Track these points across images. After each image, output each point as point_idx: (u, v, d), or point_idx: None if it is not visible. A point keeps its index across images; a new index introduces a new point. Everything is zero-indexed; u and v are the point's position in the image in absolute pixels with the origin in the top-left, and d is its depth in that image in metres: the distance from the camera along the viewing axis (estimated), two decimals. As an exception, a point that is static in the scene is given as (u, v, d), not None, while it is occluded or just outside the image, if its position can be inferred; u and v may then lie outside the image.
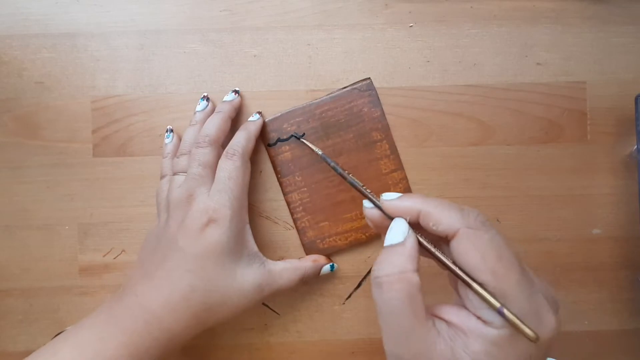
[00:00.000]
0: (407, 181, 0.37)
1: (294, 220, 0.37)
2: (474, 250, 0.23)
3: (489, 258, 0.23)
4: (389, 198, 0.27)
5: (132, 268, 0.33)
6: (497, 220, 0.37)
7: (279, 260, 0.37)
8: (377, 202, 0.27)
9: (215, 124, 0.34)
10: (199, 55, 0.37)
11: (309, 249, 0.37)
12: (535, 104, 0.37)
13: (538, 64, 0.37)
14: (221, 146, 0.34)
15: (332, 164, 0.32)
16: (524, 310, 0.22)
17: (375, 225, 0.28)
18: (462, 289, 0.24)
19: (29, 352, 0.28)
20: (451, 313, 0.24)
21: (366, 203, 0.28)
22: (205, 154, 0.33)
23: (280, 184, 0.37)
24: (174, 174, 0.34)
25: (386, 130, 0.37)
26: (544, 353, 0.24)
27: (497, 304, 0.22)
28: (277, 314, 0.37)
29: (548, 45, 0.37)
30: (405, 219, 0.25)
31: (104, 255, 0.37)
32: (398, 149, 0.37)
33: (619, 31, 0.37)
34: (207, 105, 0.36)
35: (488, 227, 0.24)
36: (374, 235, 0.37)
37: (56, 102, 0.37)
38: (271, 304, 0.37)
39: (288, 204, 0.37)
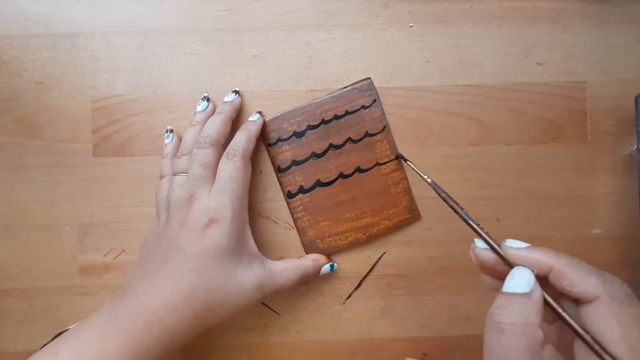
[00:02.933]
0: (407, 181, 0.37)
1: (294, 220, 0.37)
2: (616, 322, 0.22)
3: (631, 333, 0.22)
4: (516, 246, 0.26)
5: (133, 268, 0.33)
6: (497, 220, 0.37)
7: (279, 260, 0.37)
8: (497, 246, 0.26)
9: (216, 125, 0.34)
10: (199, 55, 0.37)
11: (309, 249, 0.37)
12: (535, 104, 0.37)
13: (538, 64, 0.37)
14: (222, 147, 0.34)
15: (443, 194, 0.30)
16: None
17: (483, 267, 0.26)
18: (584, 352, 0.23)
19: (29, 352, 0.28)
20: None
21: (479, 243, 0.27)
22: (206, 154, 0.33)
23: (281, 183, 0.37)
24: (174, 174, 0.34)
25: (386, 130, 0.37)
26: None
27: None
28: (277, 314, 0.37)
29: (548, 45, 0.37)
30: (532, 271, 0.24)
31: (104, 255, 0.37)
32: (398, 149, 0.37)
33: (619, 31, 0.37)
34: (208, 105, 0.36)
35: (633, 299, 0.23)
36: (374, 235, 0.37)
37: (56, 102, 0.37)
38: (271, 304, 0.37)
39: (288, 203, 0.37)
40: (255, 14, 0.37)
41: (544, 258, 0.24)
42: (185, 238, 0.30)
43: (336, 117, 0.37)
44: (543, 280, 0.24)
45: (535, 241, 0.37)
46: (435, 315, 0.38)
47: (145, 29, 0.37)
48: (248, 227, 0.33)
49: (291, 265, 0.34)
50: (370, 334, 0.38)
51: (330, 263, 0.36)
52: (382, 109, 0.37)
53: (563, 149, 0.37)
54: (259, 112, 0.36)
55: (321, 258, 0.36)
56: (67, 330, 0.31)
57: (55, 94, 0.37)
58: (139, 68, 0.37)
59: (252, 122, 0.36)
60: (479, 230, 0.27)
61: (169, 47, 0.37)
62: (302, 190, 0.37)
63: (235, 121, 0.36)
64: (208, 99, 0.36)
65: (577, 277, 0.23)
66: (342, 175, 0.37)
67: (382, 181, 0.37)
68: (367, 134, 0.37)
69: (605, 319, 0.22)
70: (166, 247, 0.31)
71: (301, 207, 0.37)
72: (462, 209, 0.29)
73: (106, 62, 0.37)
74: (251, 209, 0.37)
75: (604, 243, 0.37)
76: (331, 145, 0.37)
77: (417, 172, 0.33)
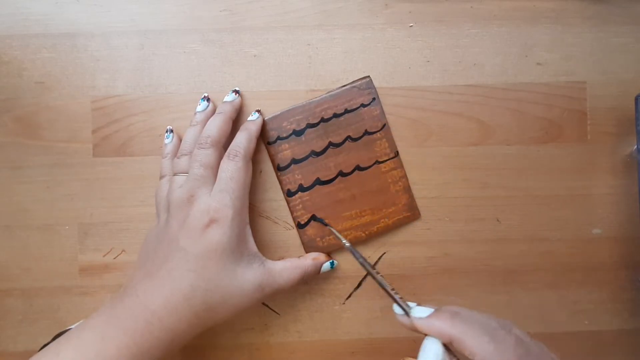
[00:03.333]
0: (407, 179, 0.37)
1: (294, 219, 0.37)
2: None
3: None
4: (419, 315, 0.26)
5: (133, 268, 0.33)
6: (497, 220, 0.37)
7: (279, 260, 0.37)
8: (409, 312, 0.27)
9: (216, 125, 0.34)
10: (199, 55, 0.37)
11: (308, 247, 0.37)
12: (535, 104, 0.37)
13: (538, 64, 0.37)
14: (223, 147, 0.34)
15: (360, 259, 0.32)
16: None
17: (410, 329, 0.28)
18: None
19: (29, 352, 0.28)
20: None
21: (396, 309, 0.28)
22: (207, 154, 0.33)
23: (280, 182, 0.37)
24: (175, 174, 0.34)
25: (385, 128, 0.37)
26: None
27: None
28: (277, 314, 0.37)
29: (548, 45, 0.37)
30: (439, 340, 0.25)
31: (104, 255, 0.37)
32: (398, 149, 0.37)
33: (619, 31, 0.37)
34: (208, 105, 0.36)
35: (526, 356, 0.23)
36: (374, 233, 0.37)
37: (56, 102, 0.37)
38: (271, 304, 0.37)
39: (288, 202, 0.37)
40: (255, 14, 0.37)
41: (442, 327, 0.25)
42: (185, 238, 0.30)
43: (335, 116, 0.37)
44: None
45: (535, 241, 0.38)
46: (435, 315, 0.38)
47: (145, 29, 0.37)
48: (248, 227, 0.33)
49: (291, 264, 0.34)
50: (370, 334, 0.38)
51: (331, 261, 0.36)
52: (382, 107, 0.37)
53: (563, 149, 0.37)
54: (258, 111, 0.36)
55: (321, 256, 0.36)
56: (67, 330, 0.31)
57: (55, 94, 0.37)
58: (139, 68, 0.37)
59: (252, 121, 0.36)
60: (395, 297, 0.28)
61: (169, 47, 0.37)
62: (301, 188, 0.37)
63: (236, 121, 0.36)
64: (208, 99, 0.36)
65: (473, 344, 0.24)
66: (341, 174, 0.37)
67: (382, 179, 0.37)
68: (366, 132, 0.37)
69: None
70: (166, 247, 0.31)
71: (301, 206, 0.37)
72: (378, 273, 0.30)
73: (106, 62, 0.37)
74: (251, 209, 0.37)
75: (604, 243, 0.37)
76: (330, 144, 0.37)
77: (335, 233, 0.35)
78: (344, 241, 0.33)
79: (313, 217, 0.36)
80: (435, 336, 0.25)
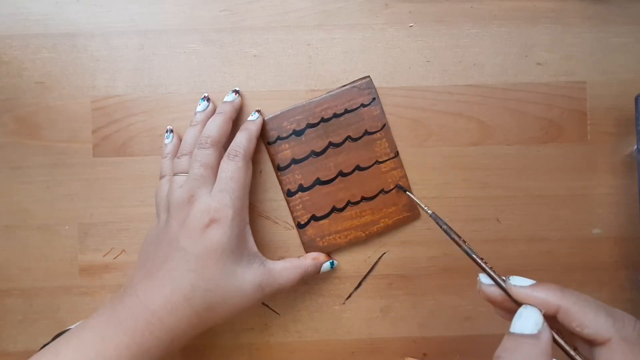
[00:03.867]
0: (407, 179, 0.37)
1: (294, 219, 0.37)
2: None
3: None
4: (520, 284, 0.25)
5: (133, 268, 0.33)
6: (497, 220, 0.37)
7: (279, 259, 0.37)
8: (502, 283, 0.25)
9: (217, 125, 0.34)
10: (199, 55, 0.37)
11: (308, 247, 0.37)
12: (535, 104, 0.37)
13: (538, 64, 0.37)
14: (223, 147, 0.34)
15: (445, 227, 0.29)
16: None
17: (491, 302, 0.26)
18: None
19: (29, 352, 0.28)
20: None
21: (483, 278, 0.26)
22: (207, 154, 0.33)
23: (280, 182, 0.37)
24: (175, 174, 0.34)
25: (385, 128, 0.37)
26: None
27: None
28: (277, 314, 0.37)
29: (548, 45, 0.37)
30: (540, 310, 0.24)
31: (104, 255, 0.37)
32: (398, 149, 0.37)
33: (619, 31, 0.37)
34: (208, 105, 0.36)
35: None
36: (374, 233, 0.37)
37: (56, 102, 0.37)
38: (271, 304, 0.37)
39: (288, 202, 0.37)
40: (255, 14, 0.37)
41: (551, 297, 0.24)
42: (185, 238, 0.30)
43: (335, 116, 0.37)
44: (552, 318, 0.24)
45: (535, 241, 0.38)
46: (435, 315, 0.38)
47: (145, 29, 0.37)
48: (248, 227, 0.33)
49: (291, 264, 0.34)
50: (370, 334, 0.38)
51: (331, 260, 0.36)
52: (382, 107, 0.37)
53: (563, 149, 0.37)
54: (258, 111, 0.36)
55: (321, 256, 0.36)
56: (67, 330, 0.31)
57: (55, 94, 0.37)
58: (139, 68, 0.37)
59: (252, 121, 0.36)
60: (484, 266, 0.26)
61: (169, 47, 0.37)
62: (301, 188, 0.37)
63: (236, 121, 0.36)
64: (208, 99, 0.36)
65: (586, 318, 0.23)
66: (341, 174, 0.37)
67: (382, 179, 0.37)
68: (366, 132, 0.37)
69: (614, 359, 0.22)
70: (166, 247, 0.31)
71: (301, 206, 0.37)
72: (464, 242, 0.28)
73: (106, 62, 0.37)
74: (251, 209, 0.37)
75: (604, 243, 0.37)
76: (330, 144, 0.37)
77: (417, 203, 0.33)
78: (427, 209, 0.31)
79: (398, 186, 0.36)
80: (539, 306, 0.24)
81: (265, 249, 0.37)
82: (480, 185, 0.37)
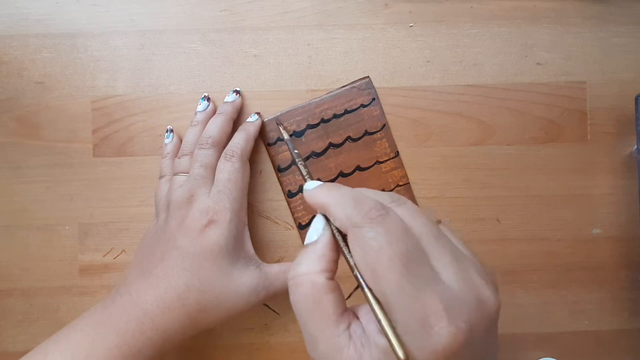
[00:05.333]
0: (408, 179, 0.37)
1: (295, 219, 0.37)
2: (359, 250, 0.21)
3: (370, 259, 0.21)
4: (307, 188, 0.25)
5: (129, 268, 0.33)
6: (497, 220, 0.37)
7: (278, 260, 0.37)
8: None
9: (217, 126, 0.34)
10: (199, 55, 0.37)
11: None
12: (535, 104, 0.37)
13: (538, 64, 0.37)
14: (223, 147, 0.34)
15: (294, 151, 0.31)
16: (406, 317, 0.20)
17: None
18: None
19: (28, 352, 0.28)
20: (364, 316, 0.23)
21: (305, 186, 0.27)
22: (207, 155, 0.33)
23: (281, 183, 0.37)
24: (175, 174, 0.34)
25: (386, 128, 0.37)
26: None
27: (378, 312, 0.20)
28: (277, 313, 0.37)
29: (548, 45, 0.37)
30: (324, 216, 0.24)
31: (104, 255, 0.37)
32: (398, 149, 0.37)
33: (619, 31, 0.37)
34: (208, 105, 0.36)
35: (377, 222, 0.21)
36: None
37: (56, 102, 0.37)
38: (271, 304, 0.37)
39: (288, 203, 0.37)
40: (255, 14, 0.37)
41: (318, 196, 0.24)
42: (183, 237, 0.30)
43: (335, 116, 0.37)
44: None
45: (535, 241, 0.38)
46: (435, 315, 0.38)
47: (145, 29, 0.37)
48: (247, 229, 0.33)
49: (287, 268, 0.34)
50: (370, 334, 0.37)
51: None
52: (382, 107, 0.37)
53: (563, 149, 0.37)
54: (257, 113, 0.36)
55: None
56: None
57: (55, 94, 0.37)
58: (139, 68, 0.37)
59: (251, 122, 0.36)
60: (303, 173, 0.28)
61: (169, 47, 0.37)
62: (302, 189, 0.37)
63: (236, 121, 0.36)
64: (208, 99, 0.36)
65: (336, 211, 0.23)
66: (342, 174, 0.37)
67: (382, 179, 0.37)
68: (366, 133, 0.37)
69: (352, 248, 0.22)
70: (163, 246, 0.31)
71: (302, 207, 0.37)
72: (300, 161, 0.29)
73: (106, 62, 0.37)
74: (251, 209, 0.37)
75: (604, 243, 0.37)
76: (331, 144, 0.37)
77: (283, 134, 0.34)
78: (285, 135, 0.33)
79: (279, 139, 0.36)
80: (316, 208, 0.24)
81: (265, 249, 0.37)
82: (480, 185, 0.37)
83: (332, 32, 0.37)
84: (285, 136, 0.33)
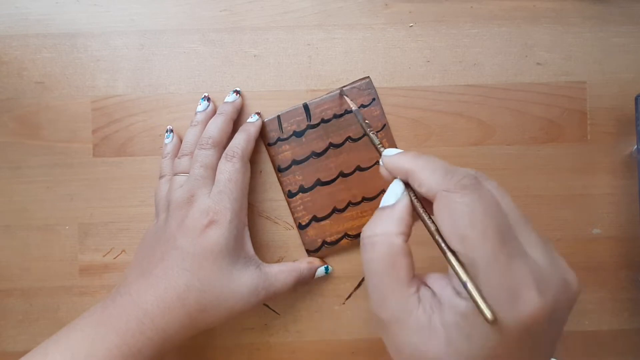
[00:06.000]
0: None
1: (295, 219, 0.37)
2: (447, 215, 0.22)
3: (460, 224, 0.21)
4: (388, 154, 0.26)
5: (129, 268, 0.33)
6: (497, 220, 0.37)
7: (278, 260, 0.37)
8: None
9: (217, 126, 0.34)
10: (199, 55, 0.37)
11: (309, 248, 0.37)
12: (535, 104, 0.37)
13: (538, 64, 0.37)
14: (223, 148, 0.34)
15: (365, 121, 0.31)
16: (494, 284, 0.20)
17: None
18: None
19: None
20: (436, 282, 0.23)
21: (380, 162, 0.27)
22: (207, 155, 0.33)
23: (281, 183, 0.37)
24: (175, 174, 0.34)
25: (386, 128, 0.37)
26: (523, 335, 0.21)
27: (464, 276, 0.21)
28: (277, 314, 0.37)
29: (548, 45, 0.37)
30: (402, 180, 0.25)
31: (104, 255, 0.37)
32: (398, 149, 0.37)
33: (619, 31, 0.37)
34: (208, 105, 0.36)
35: (470, 190, 0.22)
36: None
37: (56, 102, 0.37)
38: (271, 304, 0.37)
39: (288, 203, 0.37)
40: (255, 14, 0.37)
41: (403, 162, 0.24)
42: (183, 237, 0.30)
43: (335, 116, 0.37)
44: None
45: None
46: (435, 315, 0.38)
47: (145, 29, 0.37)
48: (247, 229, 0.33)
49: (286, 268, 0.34)
50: (370, 334, 0.37)
51: (325, 266, 0.36)
52: (382, 107, 0.37)
53: (563, 149, 0.37)
54: (258, 113, 0.36)
55: (316, 261, 0.36)
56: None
57: (55, 94, 0.37)
58: (139, 68, 0.37)
59: (251, 123, 0.36)
60: (376, 147, 0.28)
61: (169, 47, 0.37)
62: (302, 189, 0.37)
63: (236, 121, 0.36)
64: (208, 99, 0.36)
65: (424, 177, 0.23)
66: (342, 174, 0.37)
67: (383, 179, 0.37)
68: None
69: (439, 214, 0.22)
70: (163, 246, 0.31)
71: (302, 207, 0.37)
72: (371, 131, 0.30)
73: (106, 62, 0.37)
74: (251, 209, 0.37)
75: (604, 243, 0.37)
76: (331, 144, 0.37)
77: (348, 101, 0.34)
78: (353, 105, 0.33)
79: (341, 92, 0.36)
80: (395, 173, 0.25)
81: (265, 249, 0.37)
82: (480, 185, 0.37)
83: (332, 32, 0.37)
84: (354, 107, 0.33)
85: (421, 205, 0.24)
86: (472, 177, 0.22)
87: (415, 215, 0.24)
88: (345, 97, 0.34)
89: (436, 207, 0.22)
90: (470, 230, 0.21)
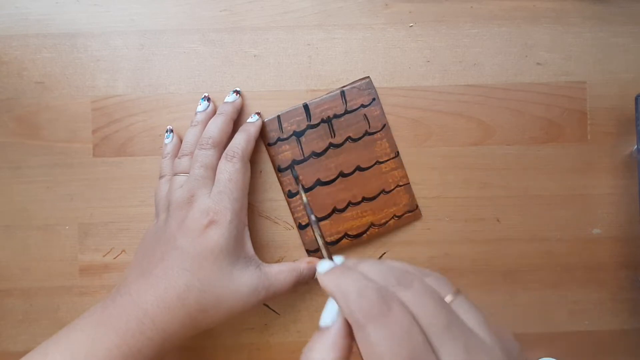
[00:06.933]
0: (408, 179, 0.37)
1: (295, 220, 0.37)
2: (362, 348, 0.21)
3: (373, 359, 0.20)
4: (321, 270, 0.24)
5: (128, 268, 0.33)
6: (497, 220, 0.37)
7: (278, 260, 0.37)
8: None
9: (217, 126, 0.34)
10: (199, 55, 0.37)
11: (309, 248, 0.37)
12: (535, 104, 0.37)
13: (538, 64, 0.37)
14: (224, 148, 0.34)
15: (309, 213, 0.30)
16: None
17: None
18: None
19: (29, 352, 0.28)
20: None
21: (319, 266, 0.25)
22: (208, 155, 0.33)
23: (281, 183, 0.37)
24: (175, 174, 0.34)
25: (386, 128, 0.37)
26: None
27: None
28: (277, 313, 0.37)
29: (548, 45, 0.37)
30: None
31: (104, 255, 0.37)
32: (398, 149, 0.37)
33: (619, 31, 0.37)
34: (208, 105, 0.36)
35: (378, 322, 0.20)
36: (375, 234, 0.37)
37: (56, 102, 0.37)
38: (271, 304, 0.37)
39: (288, 203, 0.37)
40: (255, 14, 0.37)
41: (327, 284, 0.23)
42: (183, 237, 0.30)
43: (336, 116, 0.37)
44: None
45: (535, 241, 0.38)
46: (435, 315, 0.38)
47: (145, 29, 0.37)
48: (247, 229, 0.33)
49: (286, 268, 0.34)
50: (370, 334, 0.37)
51: None
52: (382, 107, 0.37)
53: (563, 149, 0.37)
54: (258, 113, 0.36)
55: (315, 261, 0.36)
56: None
57: (55, 94, 0.37)
58: (139, 68, 0.37)
59: (251, 123, 0.36)
60: (322, 250, 0.26)
61: (169, 47, 0.37)
62: (302, 189, 0.37)
63: (236, 121, 0.36)
64: (208, 99, 0.36)
65: (343, 305, 0.22)
66: (342, 174, 0.37)
67: (383, 179, 0.37)
68: (366, 133, 0.37)
69: (359, 346, 0.21)
70: (164, 246, 0.31)
71: (301, 207, 0.37)
72: (317, 225, 0.28)
73: (106, 62, 0.37)
74: (251, 209, 0.37)
75: (604, 243, 0.37)
76: (331, 144, 0.37)
77: (304, 202, 0.33)
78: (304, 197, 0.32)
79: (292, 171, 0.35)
80: (329, 294, 0.23)
81: (265, 249, 0.37)
82: (480, 185, 0.37)
83: (332, 32, 0.37)
84: (304, 199, 0.31)
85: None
86: (382, 302, 0.21)
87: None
88: (299, 187, 0.33)
89: (357, 340, 0.21)
90: None
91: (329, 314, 0.23)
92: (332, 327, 0.23)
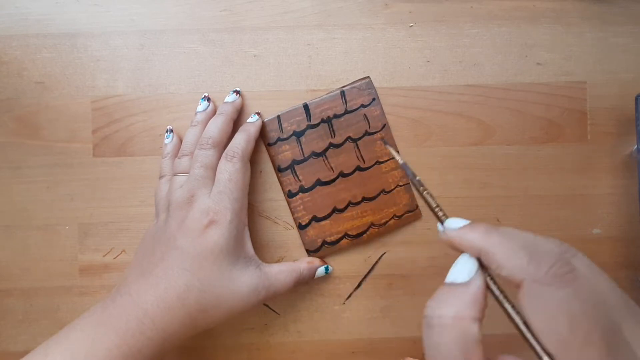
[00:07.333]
0: (408, 179, 0.37)
1: (295, 220, 0.37)
2: (540, 311, 0.19)
3: (558, 325, 0.19)
4: (452, 226, 0.23)
5: (129, 268, 0.33)
6: (497, 220, 0.37)
7: (278, 260, 0.37)
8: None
9: (217, 126, 0.34)
10: (199, 55, 0.37)
11: (309, 248, 0.37)
12: (535, 104, 0.37)
13: (538, 64, 0.37)
14: (224, 148, 0.34)
15: (411, 176, 0.27)
16: None
17: (454, 248, 0.24)
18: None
19: (29, 352, 0.28)
20: None
21: (439, 226, 0.24)
22: (208, 155, 0.33)
23: (281, 183, 0.37)
24: (175, 174, 0.34)
25: (386, 128, 0.37)
26: None
27: None
28: (277, 313, 0.37)
29: (548, 45, 0.37)
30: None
31: (104, 255, 0.37)
32: (398, 149, 0.37)
33: (619, 31, 0.37)
34: (208, 105, 0.36)
35: (566, 282, 0.19)
36: (375, 234, 0.37)
37: (56, 102, 0.37)
38: (271, 304, 0.37)
39: (288, 203, 0.37)
40: (255, 14, 0.37)
41: (475, 239, 0.22)
42: (183, 237, 0.30)
43: (336, 116, 0.37)
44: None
45: (535, 241, 0.37)
46: (435, 315, 0.38)
47: (145, 29, 0.37)
48: (247, 229, 0.33)
49: (287, 268, 0.34)
50: (370, 334, 0.38)
51: (325, 265, 0.36)
52: (382, 107, 0.37)
53: (563, 149, 0.37)
54: (258, 113, 0.36)
55: (315, 261, 0.36)
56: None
57: (55, 94, 0.37)
58: (139, 68, 0.37)
59: (251, 123, 0.36)
60: (436, 212, 0.25)
61: (169, 47, 0.37)
62: (302, 189, 0.37)
63: (236, 121, 0.36)
64: (208, 99, 0.36)
65: (503, 259, 0.21)
66: (342, 174, 0.37)
67: (383, 179, 0.37)
68: (366, 133, 0.37)
69: (529, 306, 0.20)
70: (164, 246, 0.31)
71: (302, 207, 0.37)
72: (425, 190, 0.26)
73: (106, 62, 0.37)
74: (251, 209, 0.37)
75: (604, 243, 0.37)
76: (331, 144, 0.37)
77: (391, 150, 0.30)
78: (398, 158, 0.28)
79: (383, 141, 0.33)
80: (465, 249, 0.22)
81: (265, 249, 0.37)
82: (480, 185, 0.37)
83: (332, 32, 0.37)
84: (400, 160, 0.28)
85: (501, 291, 0.22)
86: (565, 263, 0.20)
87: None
88: (389, 147, 0.30)
89: (524, 299, 0.20)
90: (570, 333, 0.18)
91: (465, 270, 0.22)
92: (472, 283, 0.21)
